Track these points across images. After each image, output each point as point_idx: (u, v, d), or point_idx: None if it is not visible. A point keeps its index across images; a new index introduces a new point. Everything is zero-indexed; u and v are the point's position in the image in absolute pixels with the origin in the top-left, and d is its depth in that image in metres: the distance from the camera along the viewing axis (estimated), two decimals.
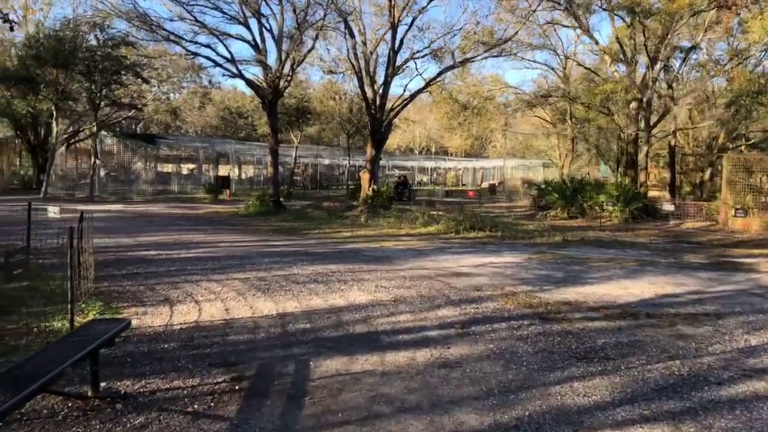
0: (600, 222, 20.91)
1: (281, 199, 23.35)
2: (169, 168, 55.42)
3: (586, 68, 29.31)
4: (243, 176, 51.50)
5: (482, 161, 67.45)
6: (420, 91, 26.48)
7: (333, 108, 39.44)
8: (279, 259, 10.92)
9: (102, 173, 40.98)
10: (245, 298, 7.60)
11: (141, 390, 4.46)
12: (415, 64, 27.27)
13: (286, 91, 25.76)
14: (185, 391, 4.46)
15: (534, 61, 37.80)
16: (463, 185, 54.60)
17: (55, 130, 29.51)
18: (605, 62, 30.12)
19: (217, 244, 12.88)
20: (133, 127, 45.03)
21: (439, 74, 25.55)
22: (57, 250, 9.58)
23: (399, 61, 25.18)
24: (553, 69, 36.80)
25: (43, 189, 28.67)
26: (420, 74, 26.94)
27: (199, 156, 46.54)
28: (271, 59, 22.53)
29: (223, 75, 22.55)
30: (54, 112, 28.88)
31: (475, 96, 40.67)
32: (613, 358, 5.37)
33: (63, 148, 35.36)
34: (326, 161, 54.07)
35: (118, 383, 4.58)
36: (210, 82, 46.77)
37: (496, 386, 4.64)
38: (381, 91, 25.69)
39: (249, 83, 22.34)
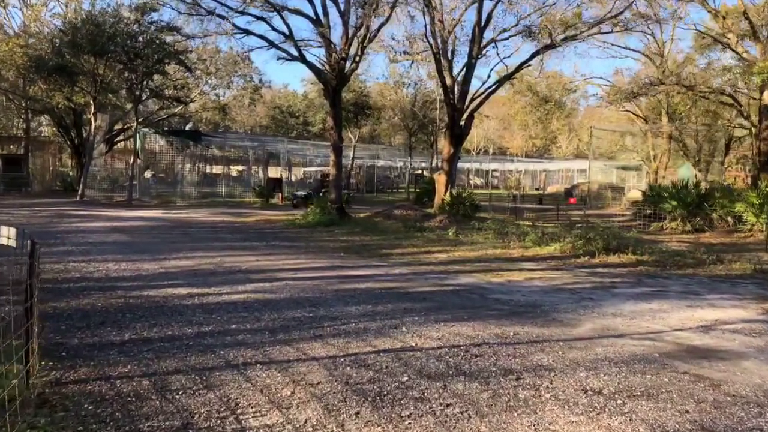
0: (740, 237, 16.52)
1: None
2: (217, 170, 52.89)
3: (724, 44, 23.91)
4: (292, 178, 48.28)
5: (546, 163, 62.14)
6: (511, 75, 22.18)
7: (395, 102, 35.47)
8: (371, 308, 6.94)
9: (148, 174, 38.43)
10: (344, 428, 3.62)
11: None
12: (496, 47, 23.02)
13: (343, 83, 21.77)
14: None
15: (626, 48, 32.89)
16: (538, 190, 49.44)
17: (93, 125, 26.69)
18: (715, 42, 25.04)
19: (273, 275, 9.02)
20: (181, 126, 42.46)
21: (534, 55, 21.23)
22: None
23: (484, 40, 20.98)
24: (646, 56, 31.79)
25: (79, 191, 25.86)
26: (502, 60, 22.45)
27: (249, 156, 43.53)
28: (336, 37, 18.73)
29: (279, 58, 18.74)
30: (92, 106, 26.04)
31: (554, 88, 36.05)
32: None
33: (103, 147, 32.73)
34: (380, 162, 50.21)
35: None
36: (260, 80, 43.84)
37: None
38: (462, 76, 21.56)
39: (309, 65, 18.60)
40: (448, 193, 20.91)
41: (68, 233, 13.49)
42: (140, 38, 24.68)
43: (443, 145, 22.16)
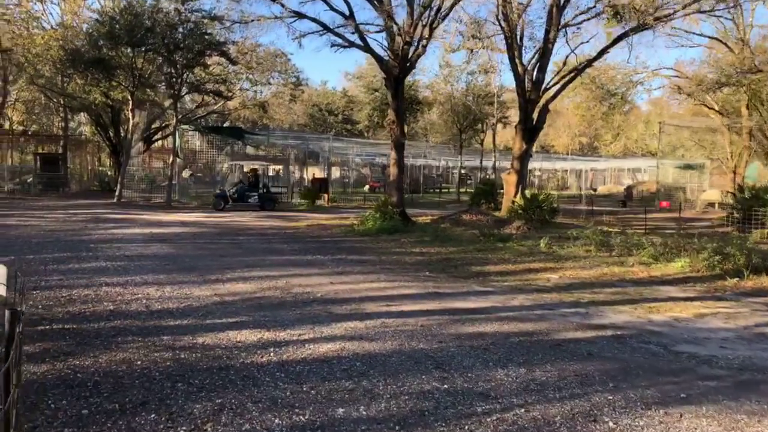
0: None
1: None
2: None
3: None
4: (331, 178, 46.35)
5: (600, 161, 58.64)
6: (592, 61, 19.72)
7: (446, 96, 33.14)
8: (527, 374, 4.75)
9: (186, 174, 37.02)
10: None
11: None
12: (566, 34, 20.51)
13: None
14: None
15: (700, 35, 29.70)
16: (595, 191, 46.26)
17: (130, 122, 25.18)
18: None
19: (359, 307, 6.90)
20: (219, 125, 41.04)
21: (619, 39, 18.65)
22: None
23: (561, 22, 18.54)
24: (724, 44, 28.63)
25: (117, 192, 24.36)
26: (573, 51, 20.07)
27: (289, 155, 41.80)
28: (398, 19, 16.56)
29: (333, 45, 16.76)
30: (130, 102, 24.53)
31: (616, 82, 33.17)
32: None
33: (141, 145, 31.35)
34: (419, 161, 47.78)
35: None
36: (298, 78, 42.11)
37: None
38: (532, 65, 19.17)
39: (370, 51, 16.44)
40: (519, 195, 18.56)
41: (103, 242, 11.68)
42: (180, 28, 22.99)
43: (513, 141, 19.83)
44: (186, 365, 4.67)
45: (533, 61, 19.52)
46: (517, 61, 18.80)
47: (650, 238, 12.63)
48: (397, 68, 16.26)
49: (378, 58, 16.66)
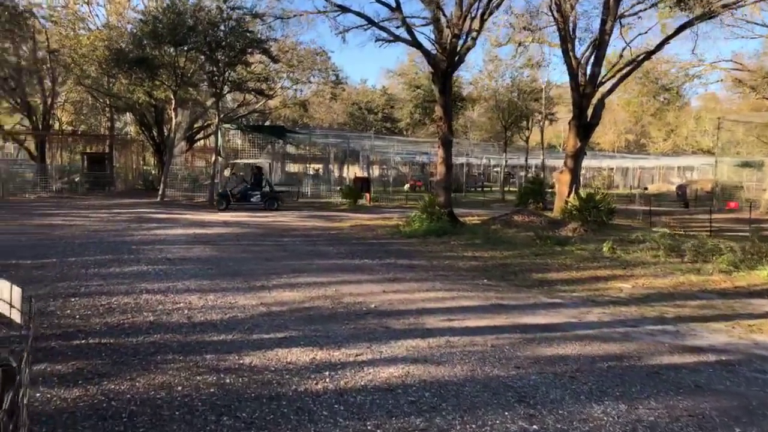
0: None
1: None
2: (293, 168, 51.40)
3: None
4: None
5: (642, 159, 56.30)
6: (653, 52, 18.47)
7: (492, 92, 32.13)
8: (628, 412, 4.01)
9: (227, 173, 37.12)
10: None
11: None
12: (620, 25, 19.36)
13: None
14: None
15: (762, 25, 27.74)
16: (646, 189, 44.33)
17: (173, 122, 25.19)
18: None
19: (417, 321, 6.24)
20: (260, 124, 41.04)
21: (683, 28, 17.42)
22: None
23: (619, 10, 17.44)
24: None
25: (160, 192, 24.41)
26: (628, 44, 18.89)
27: (329, 153, 41.50)
28: (447, 11, 15.80)
29: (377, 40, 16.16)
30: (172, 101, 24.52)
31: (670, 75, 31.48)
32: None
33: (183, 144, 31.50)
34: (459, 159, 46.72)
35: None
36: (337, 76, 41.76)
37: None
38: (590, 57, 18.11)
39: (417, 45, 15.73)
40: (573, 195, 17.57)
41: (145, 244, 11.38)
42: (222, 26, 22.81)
43: (566, 138, 18.81)
44: (232, 393, 4.10)
45: (587, 53, 18.49)
46: (570, 54, 17.82)
47: (728, 243, 11.52)
48: (445, 62, 15.51)
49: (425, 52, 15.94)
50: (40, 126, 29.38)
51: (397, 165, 49.46)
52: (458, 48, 15.60)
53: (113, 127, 34.77)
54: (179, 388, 4.15)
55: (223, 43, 22.43)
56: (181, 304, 6.60)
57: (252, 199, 21.37)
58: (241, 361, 4.75)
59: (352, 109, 56.28)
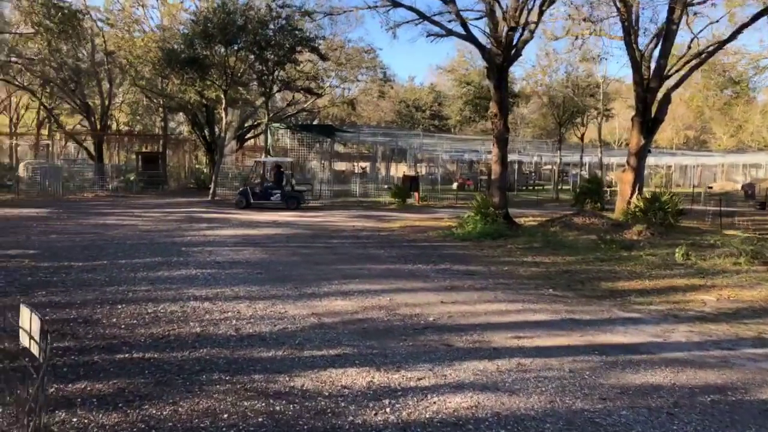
0: None
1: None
2: (341, 166, 51.40)
3: None
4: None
5: (706, 156, 53.35)
6: (726, 41, 17.18)
7: (547, 87, 31.02)
8: None
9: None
10: None
11: None
12: (687, 15, 18.09)
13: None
14: None
15: None
16: (711, 188, 42.02)
17: (223, 121, 25.36)
18: None
19: (483, 339, 5.68)
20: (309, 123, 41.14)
21: (761, 14, 16.06)
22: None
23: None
24: None
25: (211, 191, 24.62)
26: (696, 35, 17.62)
27: (376, 152, 41.20)
28: (502, 2, 15.06)
29: (428, 35, 15.60)
30: (223, 101, 24.67)
31: (738, 68, 29.53)
32: None
33: (234, 143, 31.78)
34: (512, 157, 45.40)
35: None
36: (385, 74, 41.36)
37: None
38: (654, 49, 17.00)
39: (471, 39, 15.08)
40: (636, 196, 16.54)
41: (194, 246, 11.23)
42: (271, 25, 22.77)
43: (629, 135, 17.75)
44: (282, 424, 3.67)
45: (651, 46, 17.37)
46: (634, 46, 16.74)
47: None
48: (500, 56, 14.80)
49: (479, 46, 15.26)
50: (98, 126, 30.23)
51: (445, 163, 48.68)
52: (514, 41, 14.86)
53: (166, 126, 35.49)
54: (225, 415, 3.76)
55: (273, 41, 22.38)
56: (229, 314, 6.26)
57: (272, 198, 21.07)
58: (292, 384, 4.33)
59: (400, 107, 55.80)
